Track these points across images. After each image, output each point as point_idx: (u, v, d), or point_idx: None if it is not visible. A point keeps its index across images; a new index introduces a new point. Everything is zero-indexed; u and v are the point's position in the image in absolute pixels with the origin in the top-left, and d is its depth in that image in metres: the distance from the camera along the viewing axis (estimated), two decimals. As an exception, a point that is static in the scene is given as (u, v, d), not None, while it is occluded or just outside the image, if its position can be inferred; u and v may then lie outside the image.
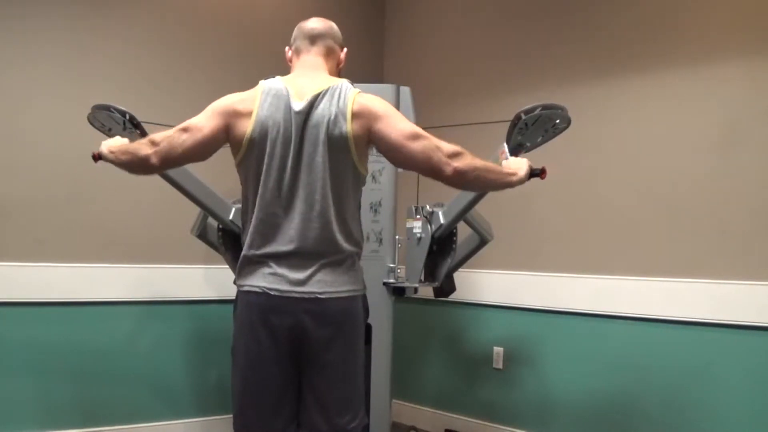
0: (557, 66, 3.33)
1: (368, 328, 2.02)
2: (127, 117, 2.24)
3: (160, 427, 3.26)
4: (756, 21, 2.72)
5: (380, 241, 2.98)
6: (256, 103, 1.79)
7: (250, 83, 1.88)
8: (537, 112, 2.11)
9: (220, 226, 2.86)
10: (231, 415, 1.87)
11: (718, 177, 2.79)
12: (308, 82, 1.83)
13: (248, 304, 1.81)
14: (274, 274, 1.78)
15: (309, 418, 1.82)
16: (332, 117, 1.76)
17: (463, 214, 2.71)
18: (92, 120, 2.32)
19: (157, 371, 3.28)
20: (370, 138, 1.81)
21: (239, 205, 2.54)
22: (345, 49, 2.00)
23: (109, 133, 2.35)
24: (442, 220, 2.77)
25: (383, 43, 4.26)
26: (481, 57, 3.70)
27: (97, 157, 1.95)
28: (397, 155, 1.81)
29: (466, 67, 3.77)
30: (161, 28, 3.35)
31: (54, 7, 3.05)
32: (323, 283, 1.78)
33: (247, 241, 1.84)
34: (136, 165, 1.90)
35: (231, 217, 2.74)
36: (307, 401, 1.82)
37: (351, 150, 1.78)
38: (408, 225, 2.89)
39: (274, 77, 1.86)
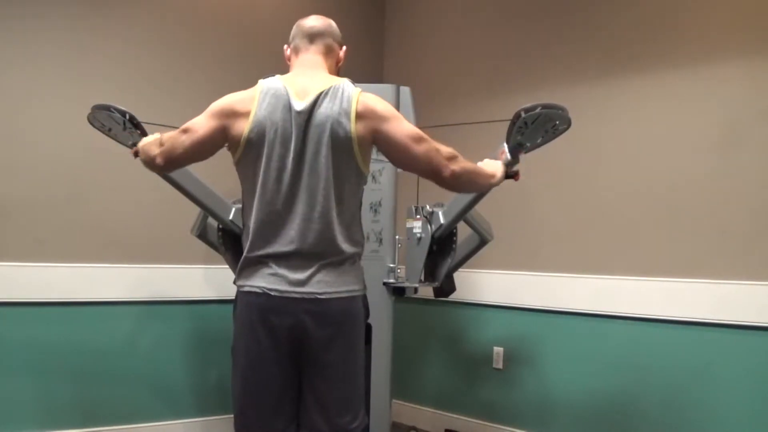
0: (557, 66, 3.33)
1: (368, 328, 2.02)
2: (127, 117, 2.23)
3: (160, 427, 3.26)
4: (756, 21, 2.72)
5: (380, 241, 2.98)
6: (254, 103, 1.79)
7: (250, 83, 1.87)
8: (537, 110, 2.10)
9: (220, 226, 2.86)
10: (231, 415, 1.87)
11: (718, 177, 2.79)
12: (308, 81, 1.83)
13: (248, 304, 1.81)
14: (274, 274, 1.78)
15: (309, 418, 1.82)
16: (336, 117, 1.76)
17: (463, 214, 2.71)
18: (92, 120, 2.32)
19: (157, 371, 3.28)
20: (375, 139, 1.81)
21: (239, 205, 2.54)
22: (344, 48, 2.00)
23: (109, 133, 2.35)
24: (442, 220, 2.77)
25: (383, 43, 4.26)
26: (481, 57, 3.70)
27: (135, 153, 2.08)
28: (401, 157, 1.84)
29: (466, 67, 3.77)
30: (161, 28, 3.35)
31: (54, 7, 3.05)
32: (323, 284, 1.78)
33: (247, 241, 1.84)
34: (149, 164, 1.99)
35: (231, 217, 2.74)
36: (308, 401, 1.82)
37: (354, 150, 1.78)
38: (408, 225, 2.89)
39: (273, 76, 1.86)
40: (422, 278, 2.87)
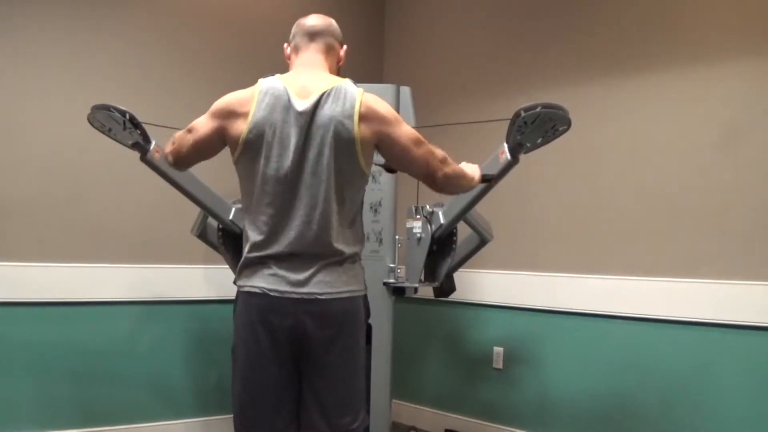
0: (557, 66, 3.33)
1: (368, 328, 2.02)
2: (127, 117, 2.23)
3: (160, 427, 3.26)
4: (756, 21, 2.72)
5: (380, 241, 2.98)
6: (253, 103, 1.78)
7: (250, 83, 1.87)
8: (537, 110, 2.10)
9: (220, 226, 2.86)
10: (231, 415, 1.87)
11: (718, 177, 2.79)
12: (309, 80, 1.82)
13: (248, 304, 1.81)
14: (274, 275, 1.77)
15: (309, 418, 1.81)
16: (339, 118, 1.75)
17: (463, 214, 2.71)
18: (92, 120, 2.32)
19: (157, 371, 3.28)
20: (378, 142, 1.81)
21: (239, 205, 2.54)
22: (345, 47, 1.99)
23: (109, 134, 2.35)
24: (442, 220, 2.77)
25: (383, 43, 4.26)
26: (481, 57, 3.70)
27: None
28: (402, 159, 1.87)
29: (466, 67, 3.77)
30: (161, 28, 3.35)
31: (54, 7, 3.05)
32: (323, 284, 1.78)
33: (246, 241, 1.84)
34: (167, 162, 2.03)
35: (231, 217, 2.74)
36: (308, 402, 1.81)
37: (357, 152, 1.78)
38: (408, 225, 2.89)
39: (273, 75, 1.85)
40: (422, 278, 2.87)
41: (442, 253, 2.86)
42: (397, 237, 3.02)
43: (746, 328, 2.66)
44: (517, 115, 2.13)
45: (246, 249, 1.84)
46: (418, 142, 1.85)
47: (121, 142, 2.36)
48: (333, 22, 1.97)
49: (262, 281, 1.78)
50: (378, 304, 2.72)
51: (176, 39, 3.39)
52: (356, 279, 1.86)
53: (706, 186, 2.82)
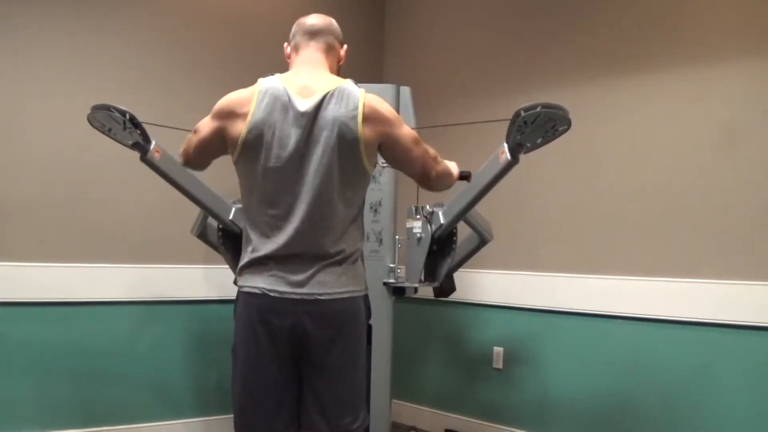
0: (557, 66, 3.33)
1: (369, 329, 2.02)
2: (128, 117, 2.23)
3: (160, 427, 3.26)
4: (756, 21, 2.72)
5: (380, 241, 2.98)
6: (252, 104, 1.77)
7: (250, 83, 1.86)
8: (537, 110, 2.10)
9: (220, 226, 2.85)
10: (231, 415, 1.87)
11: (718, 177, 2.79)
12: (311, 80, 1.82)
13: (248, 304, 1.80)
14: (273, 275, 1.77)
15: (309, 419, 1.81)
16: (343, 120, 1.75)
17: (463, 214, 2.71)
18: (92, 120, 2.31)
19: (157, 371, 3.28)
20: (382, 142, 1.82)
21: (239, 205, 2.54)
22: (345, 46, 1.99)
23: (109, 134, 2.35)
24: (442, 220, 2.77)
25: (383, 43, 4.26)
26: (481, 57, 3.70)
27: None
28: (403, 159, 1.90)
29: (466, 67, 3.77)
30: (161, 28, 3.35)
31: (54, 7, 3.05)
32: (323, 284, 1.77)
33: (246, 242, 1.84)
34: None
35: (231, 217, 2.74)
36: (308, 402, 1.81)
37: (361, 153, 1.78)
38: (408, 225, 2.89)
39: (272, 75, 1.84)
40: (422, 278, 2.87)
41: (442, 253, 2.86)
42: (397, 237, 3.02)
43: (746, 328, 2.66)
44: (517, 115, 2.13)
45: (246, 249, 1.84)
46: (417, 142, 1.89)
47: (121, 142, 2.36)
48: (333, 21, 1.97)
49: (261, 281, 1.78)
50: (378, 304, 2.72)
51: (176, 39, 3.39)
52: (357, 279, 1.85)
53: (706, 186, 2.82)
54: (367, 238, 2.98)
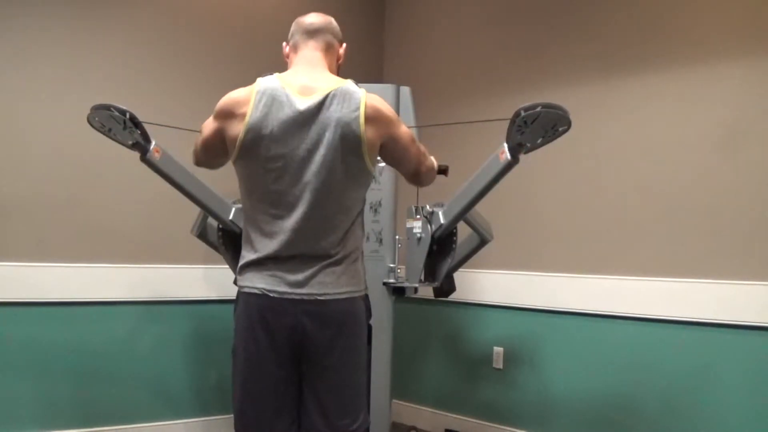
0: (557, 66, 3.33)
1: (368, 329, 2.02)
2: (128, 116, 2.22)
3: (160, 427, 3.26)
4: (756, 21, 2.72)
5: (380, 241, 2.98)
6: (249, 104, 1.76)
7: (250, 83, 1.86)
8: (537, 110, 2.10)
9: (220, 226, 2.85)
10: (231, 415, 1.87)
11: (718, 177, 2.79)
12: (310, 79, 1.81)
13: (248, 305, 1.80)
14: (273, 275, 1.77)
15: (309, 419, 1.81)
16: (345, 120, 1.75)
17: (463, 214, 2.71)
18: (92, 120, 2.31)
19: (157, 371, 3.28)
20: (384, 142, 1.83)
21: (239, 205, 2.54)
22: (344, 45, 1.99)
23: (109, 134, 2.34)
24: (442, 220, 2.77)
25: (383, 43, 4.26)
26: (481, 57, 3.70)
27: None
28: (401, 157, 1.93)
29: (466, 67, 3.77)
30: (161, 28, 3.35)
31: (54, 7, 3.05)
32: (323, 285, 1.77)
33: (246, 242, 1.84)
34: None
35: (231, 217, 2.74)
36: (308, 403, 1.81)
37: (364, 153, 1.77)
38: (408, 225, 2.88)
39: (271, 75, 1.84)
40: (422, 278, 2.86)
41: (442, 253, 2.86)
42: (397, 237, 3.02)
43: (746, 328, 2.66)
44: (516, 114, 2.13)
45: (245, 249, 1.84)
46: (413, 140, 1.93)
47: (120, 143, 2.36)
48: (332, 20, 1.96)
49: (261, 282, 1.78)
50: (378, 304, 2.72)
51: (176, 39, 3.39)
52: (356, 279, 1.85)
53: (706, 186, 2.82)
54: (367, 238, 2.98)
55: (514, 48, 3.55)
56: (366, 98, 1.79)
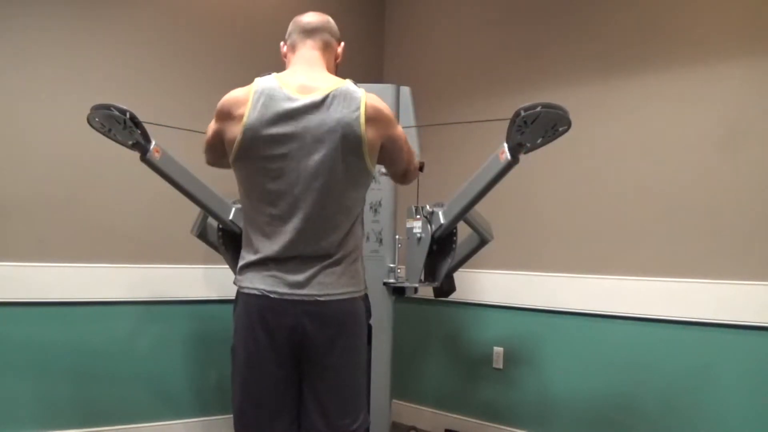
0: (557, 66, 3.33)
1: (368, 329, 2.02)
2: (128, 116, 2.22)
3: (160, 427, 3.26)
4: (756, 21, 2.72)
5: (380, 241, 2.98)
6: (247, 105, 1.76)
7: (250, 83, 1.86)
8: (537, 110, 2.10)
9: (220, 226, 2.85)
10: (231, 415, 1.87)
11: (718, 177, 2.79)
12: (309, 78, 1.81)
13: (248, 305, 1.80)
14: (272, 276, 1.76)
15: (310, 420, 1.81)
16: (347, 120, 1.74)
17: (463, 214, 2.71)
18: (92, 120, 2.31)
19: (157, 371, 3.28)
20: (383, 143, 1.83)
21: (239, 205, 2.54)
22: (342, 44, 1.98)
23: (109, 134, 2.34)
24: (442, 220, 2.77)
25: (383, 43, 4.26)
26: (481, 57, 3.70)
27: None
28: (396, 157, 1.93)
29: (466, 67, 3.77)
30: (161, 28, 3.35)
31: (54, 7, 3.05)
32: (323, 285, 1.77)
33: (246, 242, 1.84)
34: None
35: (231, 217, 2.74)
36: (308, 403, 1.81)
37: (365, 153, 1.77)
38: (408, 225, 2.89)
39: (269, 74, 1.83)
40: (422, 278, 2.86)
41: (442, 253, 2.86)
42: (397, 237, 3.02)
43: (746, 328, 2.66)
44: (516, 114, 2.13)
45: (245, 250, 1.83)
46: (405, 141, 1.95)
47: (121, 143, 2.36)
48: (330, 19, 1.95)
49: (261, 283, 1.77)
50: (378, 304, 2.72)
51: (176, 39, 3.39)
52: (356, 280, 1.85)
53: (706, 186, 2.82)
54: (367, 238, 2.98)
55: (514, 48, 3.55)
56: (366, 98, 1.79)
